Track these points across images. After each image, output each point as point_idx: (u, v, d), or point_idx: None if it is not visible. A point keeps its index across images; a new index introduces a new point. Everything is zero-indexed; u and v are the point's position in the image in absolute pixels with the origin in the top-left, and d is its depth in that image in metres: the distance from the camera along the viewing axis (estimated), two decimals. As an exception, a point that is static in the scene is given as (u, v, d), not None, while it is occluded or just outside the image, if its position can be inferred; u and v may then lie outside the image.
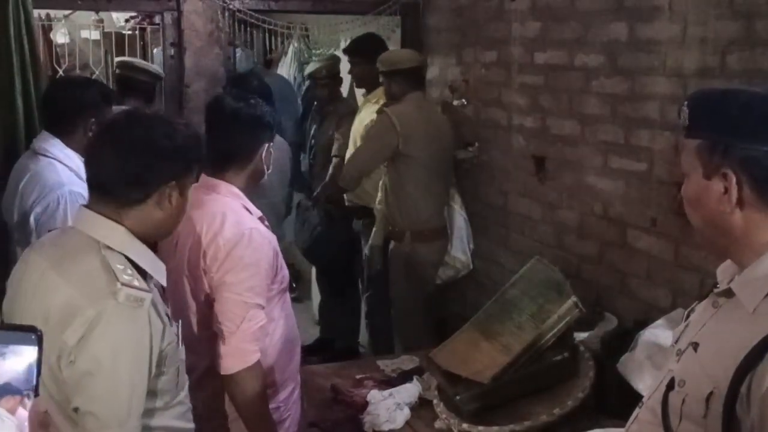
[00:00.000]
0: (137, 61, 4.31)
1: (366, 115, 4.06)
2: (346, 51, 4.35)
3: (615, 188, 2.93)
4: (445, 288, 3.92)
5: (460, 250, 3.84)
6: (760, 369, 1.16)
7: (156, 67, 4.28)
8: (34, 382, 0.87)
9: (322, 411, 2.66)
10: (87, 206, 1.64)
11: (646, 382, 2.17)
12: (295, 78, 5.96)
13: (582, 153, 3.09)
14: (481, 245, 3.86)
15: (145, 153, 1.61)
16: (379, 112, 3.76)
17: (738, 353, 1.19)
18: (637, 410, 1.47)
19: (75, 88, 2.75)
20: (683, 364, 1.33)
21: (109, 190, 1.61)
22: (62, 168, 2.63)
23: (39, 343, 0.88)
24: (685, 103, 1.34)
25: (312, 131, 4.82)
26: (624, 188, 2.88)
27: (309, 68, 4.86)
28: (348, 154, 4.00)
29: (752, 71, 2.31)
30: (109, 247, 1.58)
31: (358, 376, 2.86)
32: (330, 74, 4.62)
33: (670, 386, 1.32)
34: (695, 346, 1.32)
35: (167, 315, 1.68)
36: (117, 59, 4.28)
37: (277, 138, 3.88)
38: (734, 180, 1.26)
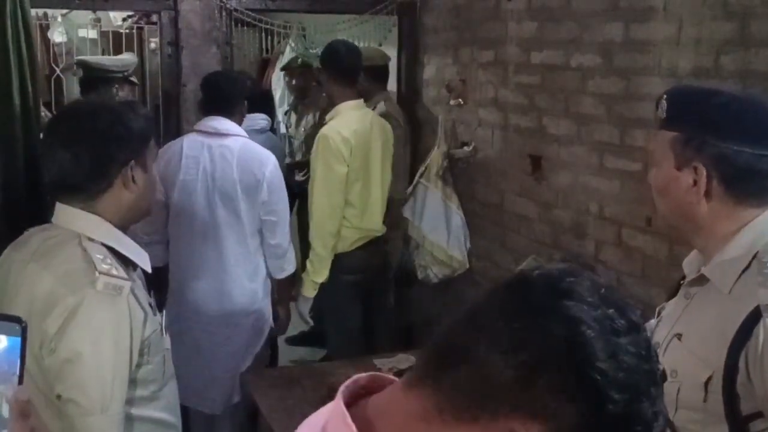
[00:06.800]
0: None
1: None
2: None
3: (610, 188, 2.94)
4: (442, 287, 3.92)
5: (457, 248, 3.85)
6: (753, 342, 1.22)
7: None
8: (17, 371, 0.87)
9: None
10: (62, 202, 1.68)
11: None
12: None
13: (578, 153, 3.11)
14: (478, 244, 3.87)
15: (95, 143, 1.64)
16: (387, 116, 3.72)
17: (725, 334, 1.25)
18: None
19: (235, 79, 3.26)
20: (670, 355, 1.37)
21: (74, 187, 1.65)
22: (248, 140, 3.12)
23: (23, 333, 0.88)
24: (664, 96, 1.41)
25: (292, 124, 4.94)
26: (619, 188, 2.89)
27: (283, 60, 4.95)
28: None
29: (746, 72, 2.32)
30: (89, 239, 1.61)
31: (354, 375, 2.86)
32: (303, 65, 4.75)
33: (662, 378, 1.35)
34: (678, 336, 1.38)
35: (150, 305, 1.70)
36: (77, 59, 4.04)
37: (271, 135, 3.92)
38: (704, 174, 1.33)
